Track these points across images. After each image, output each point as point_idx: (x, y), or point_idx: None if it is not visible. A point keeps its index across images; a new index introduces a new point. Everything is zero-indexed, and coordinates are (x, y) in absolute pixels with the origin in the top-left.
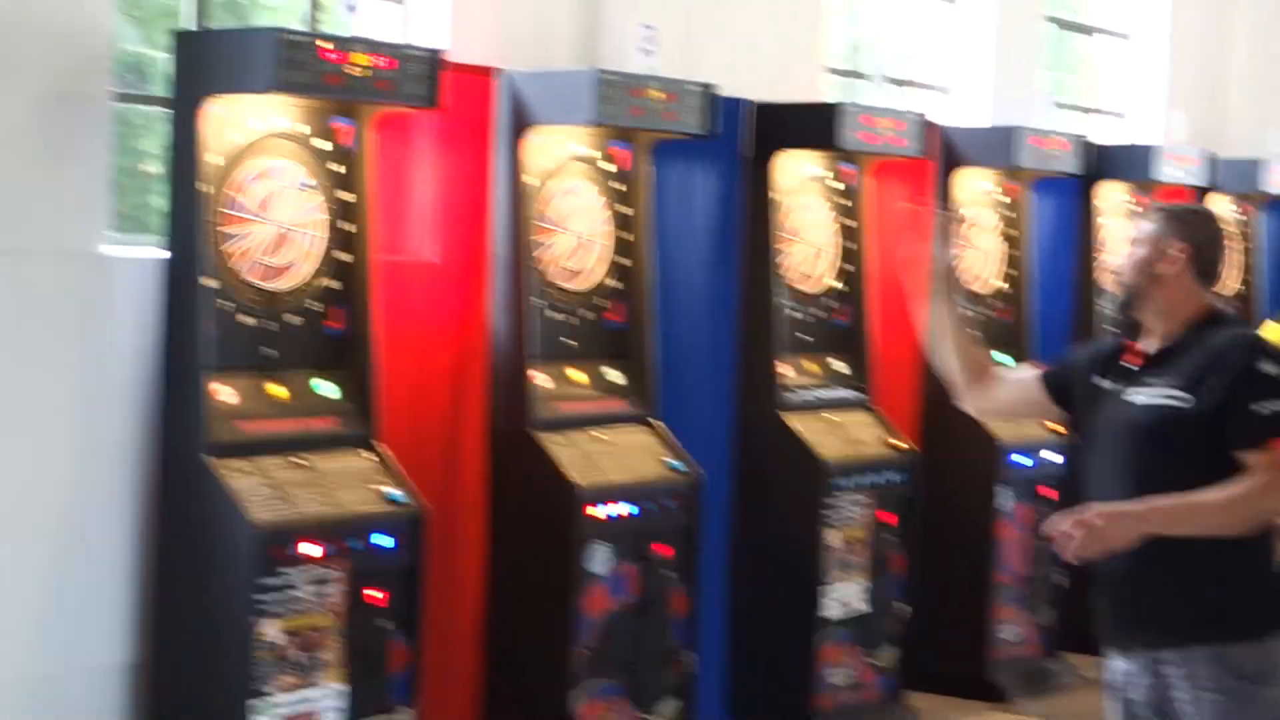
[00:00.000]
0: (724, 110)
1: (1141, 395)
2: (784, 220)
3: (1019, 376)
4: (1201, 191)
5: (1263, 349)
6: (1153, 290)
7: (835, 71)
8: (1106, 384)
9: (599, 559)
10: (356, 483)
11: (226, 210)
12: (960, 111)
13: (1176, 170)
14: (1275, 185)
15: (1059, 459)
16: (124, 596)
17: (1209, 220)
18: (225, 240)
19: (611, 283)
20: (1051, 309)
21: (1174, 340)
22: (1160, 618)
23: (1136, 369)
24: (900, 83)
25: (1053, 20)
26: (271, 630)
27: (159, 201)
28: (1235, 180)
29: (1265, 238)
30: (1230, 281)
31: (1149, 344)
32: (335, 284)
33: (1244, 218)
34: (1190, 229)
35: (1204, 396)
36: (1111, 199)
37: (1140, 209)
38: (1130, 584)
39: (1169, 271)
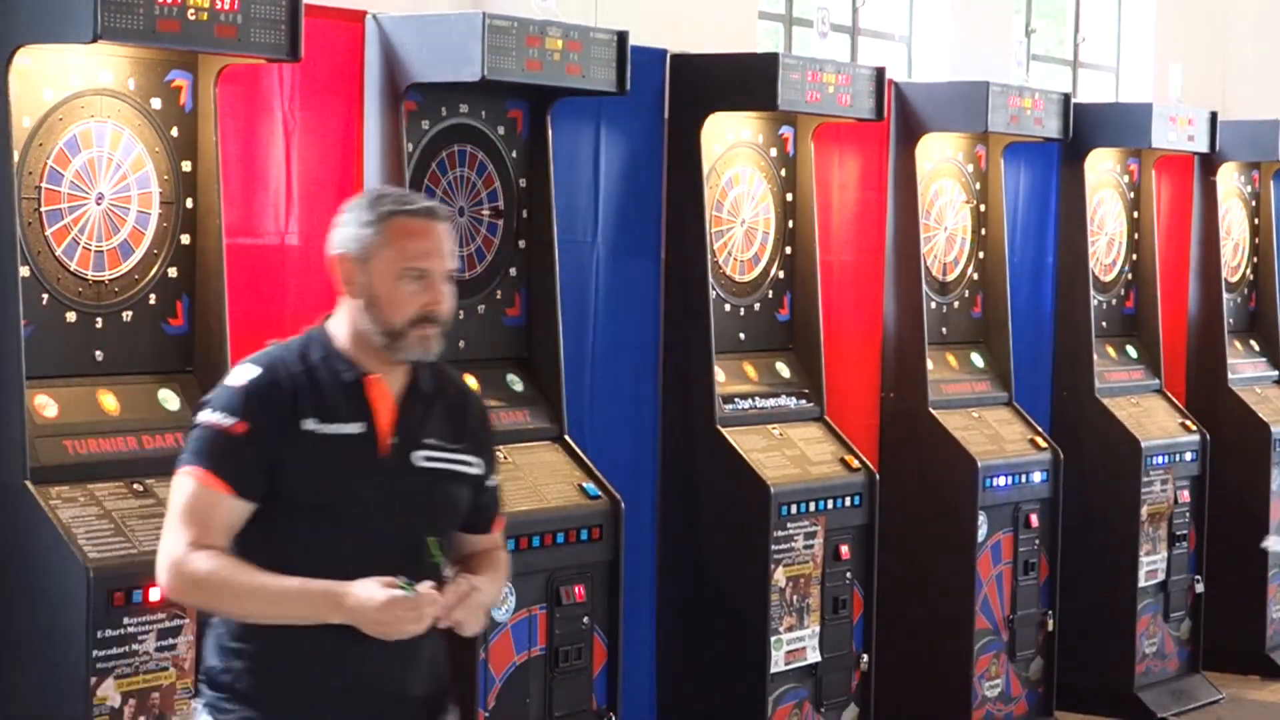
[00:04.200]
0: (638, 63)
1: None
2: (715, 196)
3: None
4: (1204, 159)
5: None
6: None
7: (770, 17)
8: None
9: (500, 602)
10: None
11: (43, 185)
12: (920, 65)
13: (1175, 134)
14: None
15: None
16: None
17: None
18: (42, 221)
19: (512, 272)
20: (1030, 300)
21: None
22: None
23: None
24: (849, 31)
25: None
26: (112, 693)
27: None
28: (1242, 146)
29: (1277, 212)
30: (1239, 264)
31: None
32: (176, 272)
33: (1252, 189)
34: None
35: None
36: (1097, 168)
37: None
38: None
39: None
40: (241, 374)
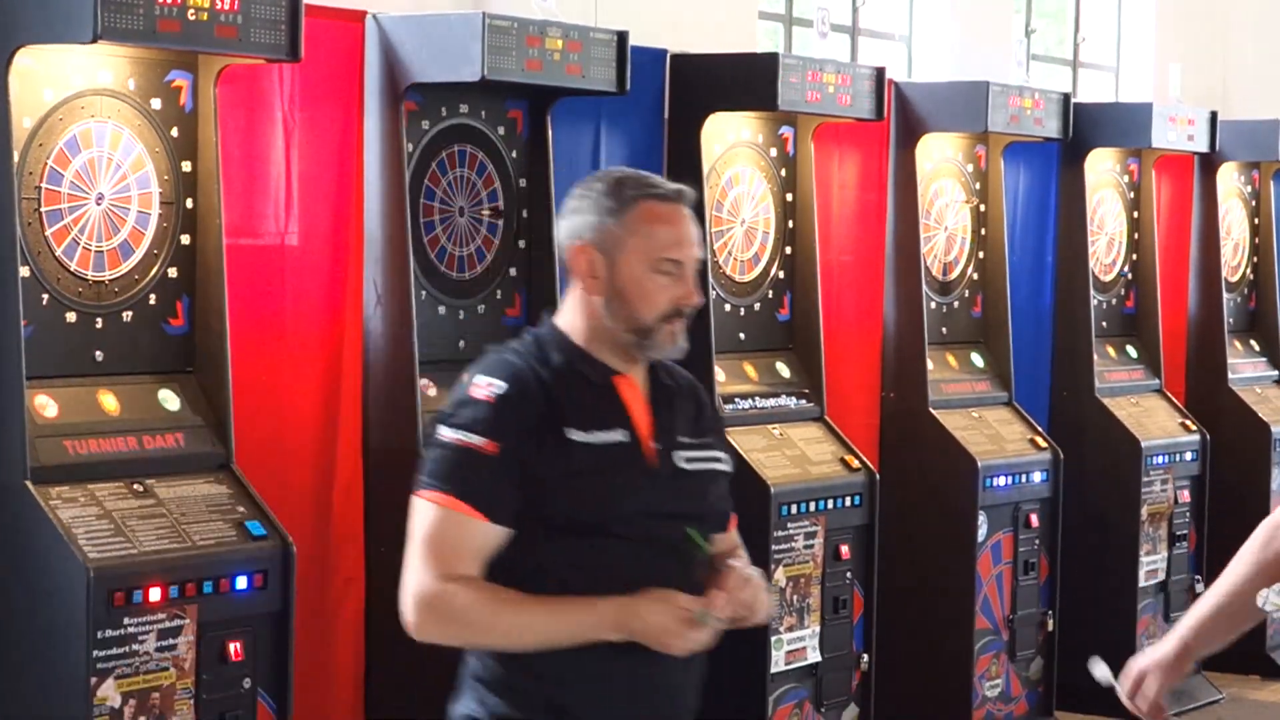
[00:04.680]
0: (639, 63)
1: None
2: (715, 196)
3: None
4: (1203, 158)
5: None
6: None
7: (770, 17)
8: None
9: None
10: (208, 514)
11: (43, 185)
12: (920, 65)
13: (1174, 134)
14: None
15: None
16: None
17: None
18: (43, 221)
19: (512, 272)
20: (1030, 300)
21: None
22: None
23: None
24: (849, 31)
25: None
26: (113, 694)
27: None
28: (1242, 145)
29: (1277, 213)
30: (1238, 264)
31: None
32: (176, 273)
33: (1252, 189)
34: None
35: None
36: (1096, 168)
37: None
38: None
39: None
40: (483, 386)
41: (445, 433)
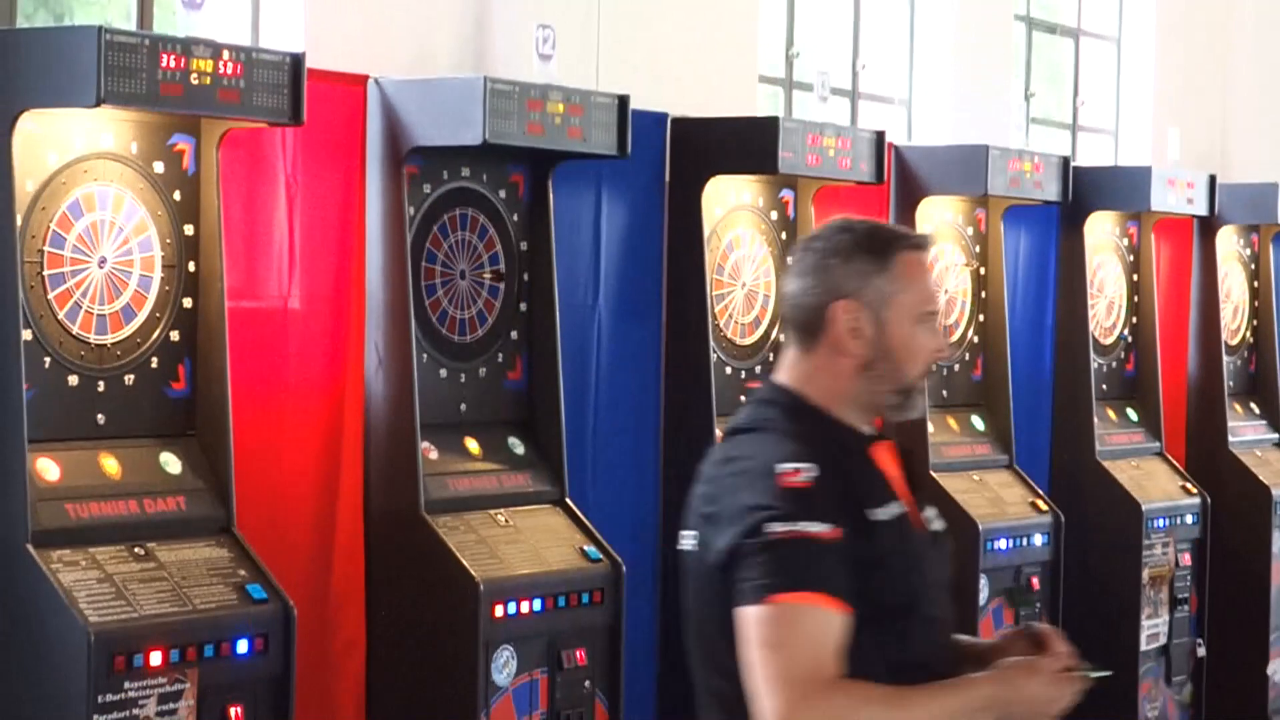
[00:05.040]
0: (640, 126)
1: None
2: (716, 260)
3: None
4: (1203, 221)
5: None
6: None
7: (770, 81)
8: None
9: (502, 666)
10: (209, 577)
11: (46, 248)
12: (920, 129)
13: (1174, 197)
14: None
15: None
16: None
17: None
18: (45, 285)
19: (514, 335)
20: (1030, 363)
21: None
22: None
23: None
24: (849, 94)
25: (1023, 20)
26: None
27: None
28: (1241, 208)
29: (1277, 275)
30: (1238, 327)
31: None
32: (178, 336)
33: (1251, 251)
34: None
35: None
36: (1096, 231)
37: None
38: None
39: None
40: (792, 473)
41: (777, 528)
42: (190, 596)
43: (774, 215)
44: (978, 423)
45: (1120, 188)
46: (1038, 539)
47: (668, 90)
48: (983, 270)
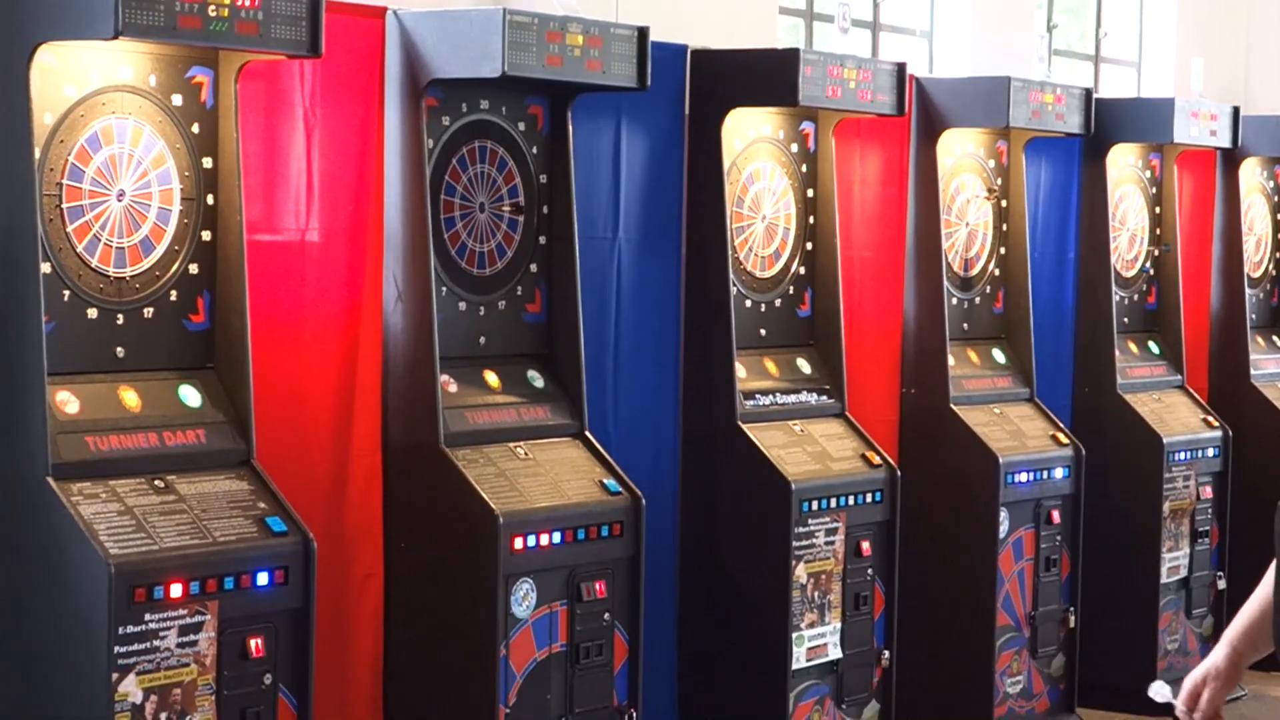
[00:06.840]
0: (659, 59)
1: None
2: (736, 192)
3: None
4: (1226, 154)
5: None
6: None
7: (790, 12)
8: None
9: (522, 598)
10: (229, 510)
11: (64, 181)
12: (941, 60)
13: (1197, 129)
14: None
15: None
16: None
17: None
18: (64, 218)
19: (533, 268)
20: (1051, 296)
21: None
22: None
23: None
24: (869, 26)
25: None
26: (134, 689)
27: None
28: (1264, 140)
29: None
30: (1261, 259)
31: None
32: (197, 269)
33: (1274, 184)
34: None
35: None
36: (1118, 163)
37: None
38: None
39: None
40: None
41: None
42: (210, 529)
43: (794, 148)
44: (999, 356)
45: (1143, 120)
46: (1058, 472)
47: (688, 22)
48: (1004, 203)
